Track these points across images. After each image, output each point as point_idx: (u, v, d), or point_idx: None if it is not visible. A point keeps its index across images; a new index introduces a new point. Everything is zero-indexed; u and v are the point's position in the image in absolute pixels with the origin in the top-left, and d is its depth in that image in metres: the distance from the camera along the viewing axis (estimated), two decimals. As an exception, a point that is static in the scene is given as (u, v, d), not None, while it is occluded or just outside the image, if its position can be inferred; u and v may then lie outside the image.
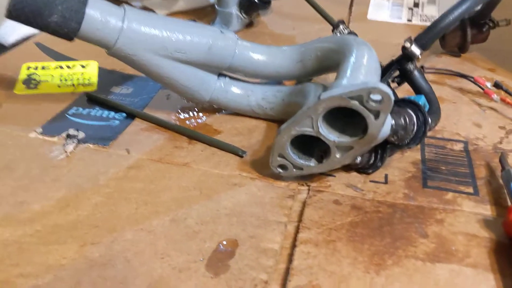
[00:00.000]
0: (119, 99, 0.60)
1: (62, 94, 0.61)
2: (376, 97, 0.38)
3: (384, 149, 0.45)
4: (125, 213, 0.42)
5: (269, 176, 0.47)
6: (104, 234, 0.39)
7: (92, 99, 0.60)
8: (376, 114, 0.38)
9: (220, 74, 0.54)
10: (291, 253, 0.38)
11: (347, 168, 0.47)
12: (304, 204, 0.43)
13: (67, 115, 0.56)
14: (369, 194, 0.44)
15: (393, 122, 0.42)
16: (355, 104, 0.38)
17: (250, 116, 0.56)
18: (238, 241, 0.39)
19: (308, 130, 0.41)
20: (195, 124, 0.56)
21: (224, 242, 0.39)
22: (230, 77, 0.55)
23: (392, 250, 0.39)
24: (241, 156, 0.50)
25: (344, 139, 0.41)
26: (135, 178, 0.46)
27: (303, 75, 0.53)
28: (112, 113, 0.57)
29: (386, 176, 0.47)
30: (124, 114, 0.57)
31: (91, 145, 0.51)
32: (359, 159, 0.45)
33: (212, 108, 0.58)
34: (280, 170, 0.45)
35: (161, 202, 0.43)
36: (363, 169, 0.47)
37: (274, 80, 0.55)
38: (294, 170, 0.44)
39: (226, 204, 0.43)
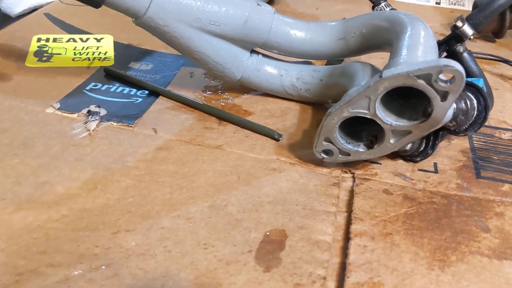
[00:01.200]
0: (139, 76, 0.56)
1: (77, 68, 0.57)
2: (445, 76, 0.34)
3: (437, 135, 0.42)
4: (159, 197, 0.38)
5: (309, 162, 0.43)
6: (138, 221, 0.36)
7: (111, 74, 0.55)
8: (444, 96, 0.35)
9: (252, 51, 0.50)
10: (345, 246, 0.35)
11: (393, 155, 0.44)
12: (352, 193, 0.40)
13: (85, 91, 0.52)
14: (420, 184, 0.41)
15: (454, 106, 0.38)
16: (421, 83, 0.34)
17: (281, 98, 0.52)
18: (286, 231, 0.35)
19: (363, 112, 0.37)
20: (222, 104, 0.52)
21: (267, 233, 0.35)
22: (263, 55, 0.51)
23: (454, 245, 0.35)
24: (277, 140, 0.46)
25: (403, 123, 0.37)
26: (166, 160, 0.42)
27: (344, 54, 0.49)
28: (134, 90, 0.53)
29: (435, 165, 0.44)
30: (146, 92, 0.53)
31: (114, 123, 0.46)
32: (409, 145, 0.41)
33: (239, 88, 0.54)
34: (324, 156, 0.41)
35: (197, 187, 0.39)
36: (411, 156, 0.43)
37: (312, 58, 0.52)
38: (340, 156, 0.41)
39: (267, 191, 0.39)
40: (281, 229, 0.36)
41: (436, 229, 0.37)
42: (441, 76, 0.34)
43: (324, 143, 0.40)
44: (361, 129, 0.41)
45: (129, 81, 0.54)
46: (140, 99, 0.51)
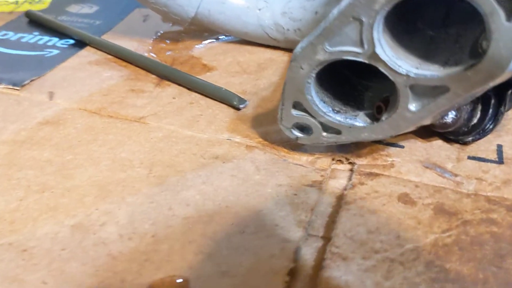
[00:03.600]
0: (73, 21, 0.40)
1: (-3, 14, 0.42)
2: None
3: (503, 98, 0.23)
4: (-4, 208, 0.22)
5: (280, 144, 0.26)
6: None
7: (33, 20, 0.40)
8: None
9: (213, -26, 0.33)
10: (303, 315, 0.18)
11: (426, 132, 0.25)
12: (339, 202, 0.22)
13: (-15, 42, 0.37)
14: (469, 184, 0.23)
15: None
16: (464, -17, 0.16)
17: (262, 45, 0.35)
18: (189, 283, 0.19)
19: (350, 51, 0.19)
20: (178, 56, 0.35)
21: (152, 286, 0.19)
22: (230, -21, 0.34)
23: (533, 319, 0.17)
24: (238, 108, 0.29)
25: (431, 72, 0.19)
26: (45, 142, 0.26)
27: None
28: (55, 40, 0.37)
29: (500, 150, 0.25)
30: (70, 41, 0.37)
31: (-6, 85, 0.31)
32: (451, 115, 0.23)
33: (206, 33, 0.37)
34: (298, 134, 0.24)
35: (71, 188, 0.23)
36: (457, 134, 0.25)
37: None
38: (324, 134, 0.23)
39: (189, 197, 0.23)
40: (185, 277, 0.19)
41: (495, 278, 0.18)
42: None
43: (294, 112, 0.23)
44: (364, 86, 0.24)
45: (51, 27, 0.38)
46: (56, 51, 0.36)
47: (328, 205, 0.22)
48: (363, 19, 0.18)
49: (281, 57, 0.34)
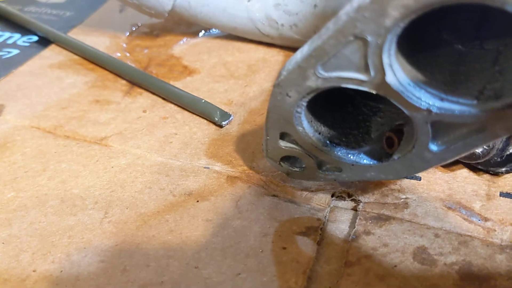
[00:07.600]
0: (41, 12, 0.35)
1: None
2: None
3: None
4: None
5: (269, 174, 0.21)
6: None
7: (-5, 13, 0.35)
8: None
9: (193, -42, 0.28)
10: None
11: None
12: (340, 261, 0.17)
13: None
14: (503, 232, 0.18)
15: None
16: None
17: (253, 41, 0.30)
18: None
19: (353, 78, 0.14)
20: (155, 55, 0.30)
21: None
22: (214, -36, 0.28)
23: None
24: (220, 125, 0.24)
25: (461, 106, 0.14)
26: (-19, 174, 0.22)
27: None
28: (17, 36, 0.33)
29: (541, 183, 0.20)
30: (34, 38, 0.32)
31: None
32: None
33: (189, 28, 0.32)
34: (289, 168, 0.19)
35: (7, 240, 0.19)
36: (488, 164, 0.20)
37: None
38: (320, 171, 0.18)
39: (151, 253, 0.18)
40: None
41: None
42: None
43: (283, 143, 0.18)
44: (372, 109, 0.19)
45: (12, 20, 0.34)
46: (16, 51, 0.31)
47: (325, 263, 0.18)
48: (369, 39, 0.13)
49: (275, 57, 0.29)
